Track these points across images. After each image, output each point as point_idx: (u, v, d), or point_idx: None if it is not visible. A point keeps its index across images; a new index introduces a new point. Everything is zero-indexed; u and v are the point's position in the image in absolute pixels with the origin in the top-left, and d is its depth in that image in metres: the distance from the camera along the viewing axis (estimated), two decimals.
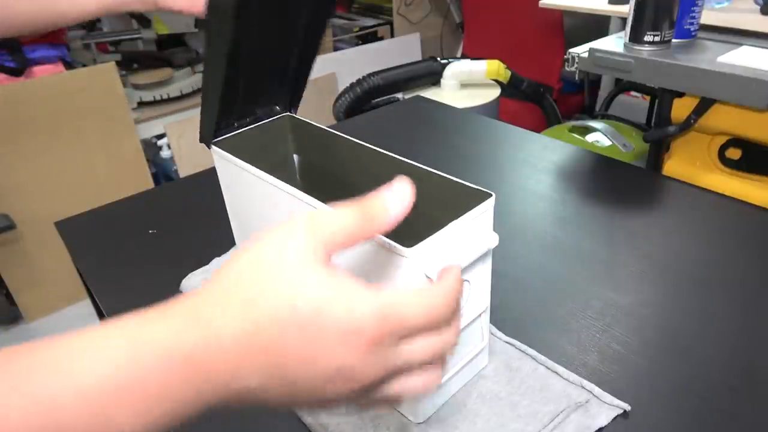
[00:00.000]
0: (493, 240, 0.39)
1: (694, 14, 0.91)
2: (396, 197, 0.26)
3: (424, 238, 0.34)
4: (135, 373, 0.21)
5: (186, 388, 0.22)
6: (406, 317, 0.24)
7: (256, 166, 0.46)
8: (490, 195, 0.38)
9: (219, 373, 0.22)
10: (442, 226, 0.35)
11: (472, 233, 0.38)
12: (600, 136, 1.46)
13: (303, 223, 0.25)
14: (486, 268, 0.42)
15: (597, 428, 0.42)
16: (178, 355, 0.22)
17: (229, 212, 0.55)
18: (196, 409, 0.22)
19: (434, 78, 1.84)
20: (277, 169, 0.47)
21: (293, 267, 0.23)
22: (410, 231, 0.33)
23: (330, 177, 0.54)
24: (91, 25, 2.32)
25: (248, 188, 0.49)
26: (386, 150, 0.47)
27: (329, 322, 0.22)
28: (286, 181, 0.43)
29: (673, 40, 0.91)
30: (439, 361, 0.26)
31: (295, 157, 0.58)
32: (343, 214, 0.25)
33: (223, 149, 0.50)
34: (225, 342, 0.22)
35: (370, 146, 0.48)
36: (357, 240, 0.25)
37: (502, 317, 0.53)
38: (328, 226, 0.25)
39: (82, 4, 0.48)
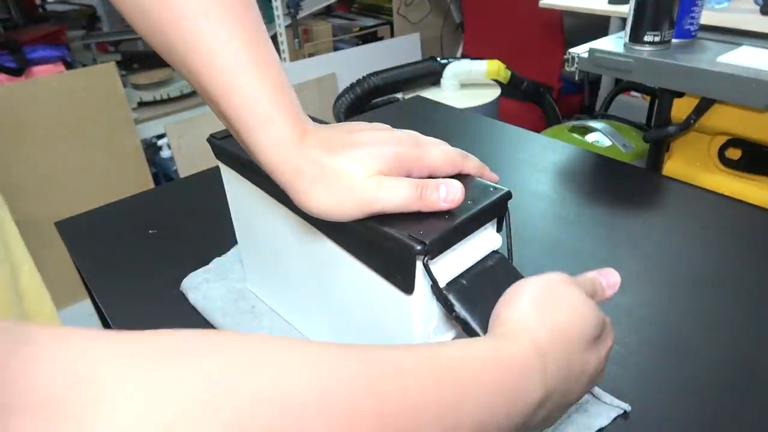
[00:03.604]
0: (495, 241, 0.39)
1: (694, 14, 0.91)
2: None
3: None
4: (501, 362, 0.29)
5: (527, 378, 0.29)
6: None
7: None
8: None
9: (546, 364, 0.30)
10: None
11: (479, 233, 0.38)
12: (600, 136, 1.46)
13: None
14: None
15: (597, 428, 0.42)
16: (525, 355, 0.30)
17: (231, 210, 0.55)
18: (523, 407, 0.28)
19: (434, 78, 1.84)
20: None
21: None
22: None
23: None
24: (91, 25, 2.32)
25: (248, 191, 0.49)
26: None
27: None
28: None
29: (673, 40, 0.91)
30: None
31: None
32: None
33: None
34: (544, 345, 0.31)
35: None
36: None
37: None
38: None
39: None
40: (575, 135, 1.49)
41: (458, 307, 0.34)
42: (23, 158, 1.56)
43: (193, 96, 2.05)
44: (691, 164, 1.04)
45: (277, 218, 0.46)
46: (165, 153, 2.01)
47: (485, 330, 0.34)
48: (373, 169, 0.34)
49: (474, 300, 0.35)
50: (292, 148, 0.34)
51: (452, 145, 0.40)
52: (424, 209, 0.34)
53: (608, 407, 0.43)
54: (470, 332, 0.34)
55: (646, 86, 1.67)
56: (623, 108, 1.83)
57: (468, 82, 1.82)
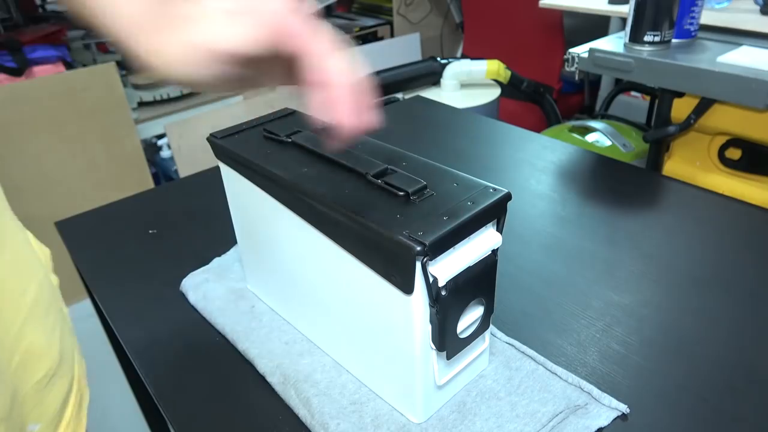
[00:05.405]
0: (496, 239, 0.39)
1: (694, 14, 0.91)
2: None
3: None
4: None
5: None
6: None
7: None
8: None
9: None
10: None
11: (479, 233, 0.38)
12: (600, 136, 1.46)
13: None
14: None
15: (596, 429, 0.42)
16: None
17: (231, 210, 0.55)
18: None
19: (434, 78, 1.84)
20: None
21: None
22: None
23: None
24: None
25: (248, 191, 0.49)
26: None
27: None
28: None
29: (673, 40, 0.91)
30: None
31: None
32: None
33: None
34: None
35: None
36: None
37: (502, 317, 0.53)
38: None
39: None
40: (575, 135, 1.49)
41: (441, 309, 0.36)
42: (23, 158, 1.56)
43: (193, 96, 2.04)
44: (691, 164, 1.04)
45: (277, 218, 0.46)
46: (165, 153, 2.01)
47: (443, 344, 0.36)
48: (220, 9, 0.30)
49: (452, 305, 0.37)
50: (152, 13, 0.31)
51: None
52: (292, 46, 0.30)
53: (607, 409, 0.43)
54: (434, 336, 0.37)
55: (646, 86, 1.67)
56: (623, 108, 1.83)
57: (468, 82, 1.82)
